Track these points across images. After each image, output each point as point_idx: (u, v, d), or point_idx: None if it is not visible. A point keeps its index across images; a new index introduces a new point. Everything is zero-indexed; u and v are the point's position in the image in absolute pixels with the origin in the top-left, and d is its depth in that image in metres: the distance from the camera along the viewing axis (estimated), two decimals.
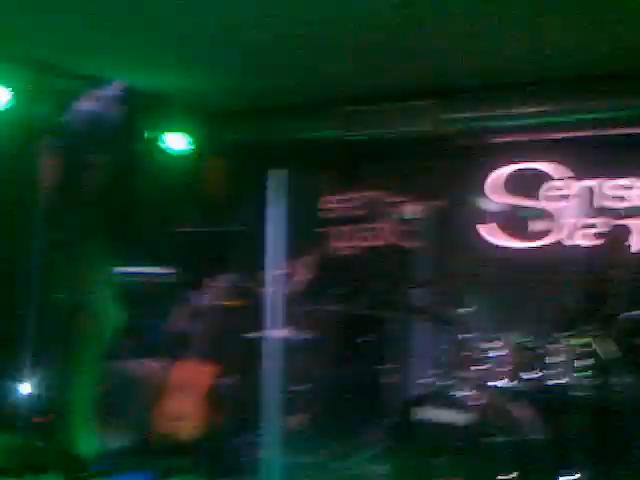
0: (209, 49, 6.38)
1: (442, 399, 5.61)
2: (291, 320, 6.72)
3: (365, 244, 8.15)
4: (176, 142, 7.74)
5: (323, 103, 7.63)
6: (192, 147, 7.79)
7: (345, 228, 8.24)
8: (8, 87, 6.47)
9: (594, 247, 6.92)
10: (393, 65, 6.71)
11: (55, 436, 5.18)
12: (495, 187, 7.62)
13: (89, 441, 5.43)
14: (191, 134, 7.77)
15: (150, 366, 6.76)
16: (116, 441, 6.15)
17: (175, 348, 6.95)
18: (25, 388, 5.78)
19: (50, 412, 5.42)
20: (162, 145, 7.66)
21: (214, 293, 6.83)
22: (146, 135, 7.57)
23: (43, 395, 5.72)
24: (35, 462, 4.98)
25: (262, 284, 6.62)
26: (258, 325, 6.41)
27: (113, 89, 4.87)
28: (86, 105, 4.85)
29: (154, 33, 6.06)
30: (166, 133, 7.66)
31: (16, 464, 4.94)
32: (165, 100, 7.31)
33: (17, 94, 6.47)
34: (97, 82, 6.54)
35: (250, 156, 7.92)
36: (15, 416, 5.73)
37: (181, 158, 7.80)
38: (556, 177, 7.43)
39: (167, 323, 7.08)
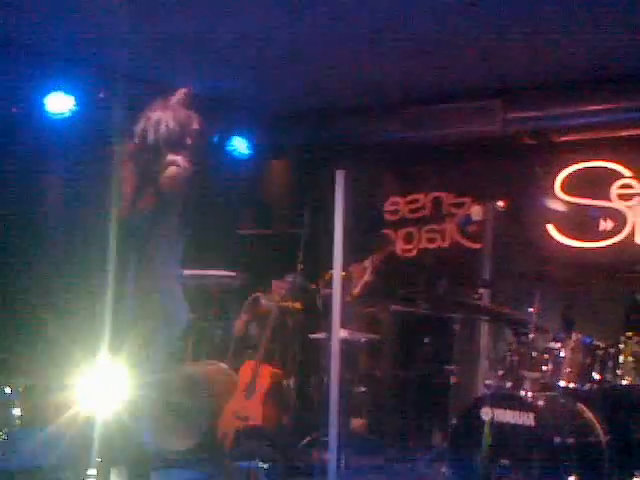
0: (272, 52, 6.42)
1: (507, 400, 5.52)
2: (354, 321, 6.72)
3: (429, 245, 8.10)
4: (239, 145, 7.81)
5: (386, 104, 7.63)
6: (254, 150, 7.84)
7: (409, 229, 8.20)
8: (70, 93, 6.62)
9: None
10: (457, 65, 6.68)
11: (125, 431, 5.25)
12: (563, 186, 7.50)
13: (155, 438, 5.52)
14: (254, 137, 7.83)
15: (215, 367, 6.82)
16: (181, 440, 6.24)
17: (239, 349, 7.00)
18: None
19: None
20: (226, 148, 7.74)
21: (277, 295, 6.86)
22: (213, 139, 7.65)
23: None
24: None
25: (325, 286, 6.64)
26: (321, 326, 6.43)
27: (181, 94, 4.89)
28: (156, 110, 4.86)
29: (216, 38, 6.12)
30: (229, 137, 7.74)
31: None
32: (228, 104, 7.37)
33: (82, 100, 6.62)
34: (161, 87, 6.63)
35: (313, 158, 7.96)
36: None
37: (244, 161, 7.87)
38: (626, 175, 7.28)
39: (231, 324, 7.14)
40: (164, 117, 4.54)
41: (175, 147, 4.53)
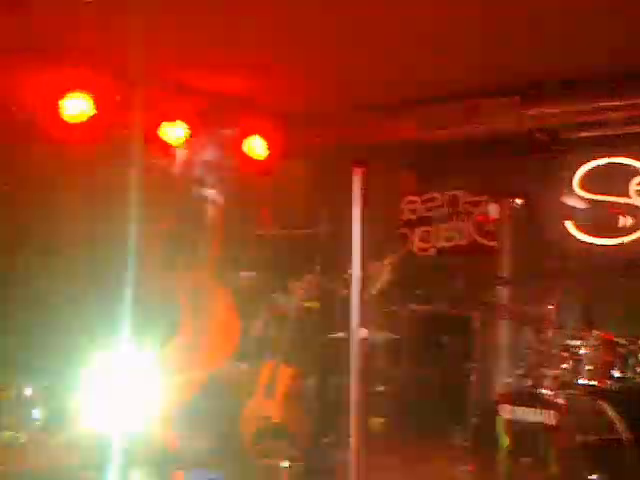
0: (287, 51, 6.41)
1: (527, 398, 5.52)
2: (374, 320, 6.71)
3: (447, 244, 8.09)
4: (256, 146, 7.78)
5: (403, 102, 7.61)
6: (272, 150, 7.81)
7: (426, 228, 8.19)
8: (86, 97, 6.63)
9: None
10: (475, 62, 6.65)
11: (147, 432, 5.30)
12: (582, 183, 7.47)
13: (177, 438, 5.57)
14: (271, 137, 7.81)
15: (234, 368, 6.83)
16: (202, 440, 6.24)
17: (259, 350, 7.00)
18: None
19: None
20: (243, 149, 7.72)
21: (297, 295, 6.86)
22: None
23: None
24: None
25: (345, 285, 6.63)
26: (341, 326, 6.42)
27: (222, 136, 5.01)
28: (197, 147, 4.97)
29: (231, 38, 6.12)
30: (247, 137, 7.72)
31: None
32: (245, 104, 7.36)
33: (99, 104, 6.62)
34: (178, 88, 6.66)
35: (330, 158, 7.94)
36: None
37: (262, 161, 7.85)
38: None
39: (250, 325, 7.15)
40: (204, 155, 4.71)
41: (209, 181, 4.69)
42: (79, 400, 5.45)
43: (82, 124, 6.66)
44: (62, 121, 6.69)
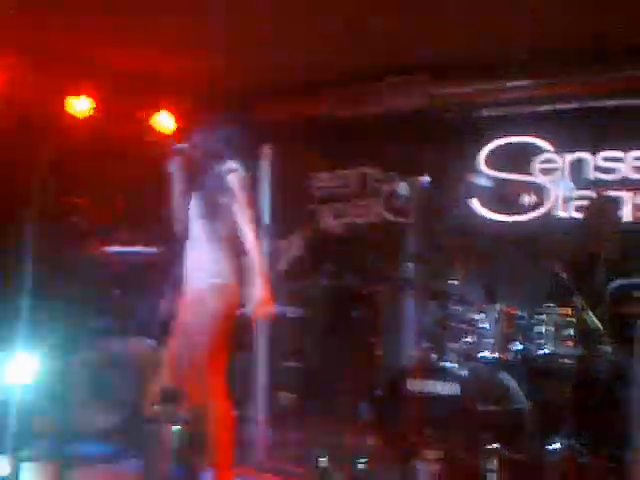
0: (197, 31, 6.38)
1: (431, 371, 5.64)
2: (282, 296, 6.75)
3: (356, 220, 8.15)
4: (165, 122, 7.72)
5: (313, 82, 7.63)
6: (181, 126, 7.76)
7: (335, 205, 8.24)
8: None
9: (584, 219, 6.89)
10: (382, 41, 6.70)
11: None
12: (486, 161, 7.60)
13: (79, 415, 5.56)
14: (180, 114, 7.75)
15: (140, 343, 6.78)
16: (106, 416, 6.20)
17: (166, 326, 6.96)
18: None
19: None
20: (153, 125, 7.65)
21: None
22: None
23: None
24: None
25: None
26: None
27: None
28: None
29: (138, 13, 6.04)
30: (155, 113, 7.66)
31: None
32: (159, 82, 7.28)
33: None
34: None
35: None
36: None
37: (169, 137, 7.79)
38: (547, 150, 7.41)
39: (158, 301, 7.09)
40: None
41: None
42: None
43: None
44: None
